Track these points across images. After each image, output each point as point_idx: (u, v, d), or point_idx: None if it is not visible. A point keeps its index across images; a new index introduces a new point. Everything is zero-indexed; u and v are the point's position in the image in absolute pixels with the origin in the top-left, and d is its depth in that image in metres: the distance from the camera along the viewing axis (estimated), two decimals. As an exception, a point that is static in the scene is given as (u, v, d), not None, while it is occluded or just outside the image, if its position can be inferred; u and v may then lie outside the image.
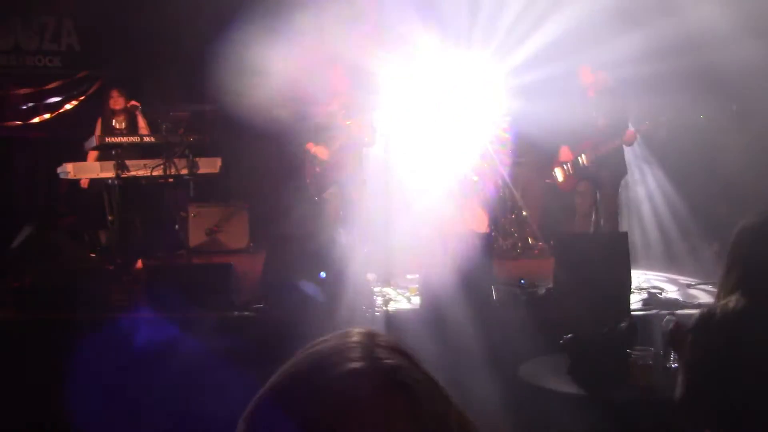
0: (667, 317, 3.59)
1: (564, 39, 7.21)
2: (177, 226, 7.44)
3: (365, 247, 6.31)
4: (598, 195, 6.95)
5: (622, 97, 6.77)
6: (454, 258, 5.26)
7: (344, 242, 5.80)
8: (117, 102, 7.31)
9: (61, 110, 8.87)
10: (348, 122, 6.76)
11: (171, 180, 6.91)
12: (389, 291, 5.93)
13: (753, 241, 2.37)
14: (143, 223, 7.33)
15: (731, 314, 2.33)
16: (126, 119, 7.33)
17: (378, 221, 6.52)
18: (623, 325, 3.63)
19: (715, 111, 7.53)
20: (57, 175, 7.08)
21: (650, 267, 6.98)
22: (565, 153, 7.01)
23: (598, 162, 6.79)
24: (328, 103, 6.88)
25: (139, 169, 6.75)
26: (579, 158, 6.92)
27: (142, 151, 6.99)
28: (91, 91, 8.86)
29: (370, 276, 6.05)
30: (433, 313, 5.05)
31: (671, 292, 5.90)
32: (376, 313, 5.39)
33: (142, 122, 7.25)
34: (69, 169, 6.85)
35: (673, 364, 3.40)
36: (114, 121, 7.34)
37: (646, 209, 8.16)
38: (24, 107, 8.80)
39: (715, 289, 2.66)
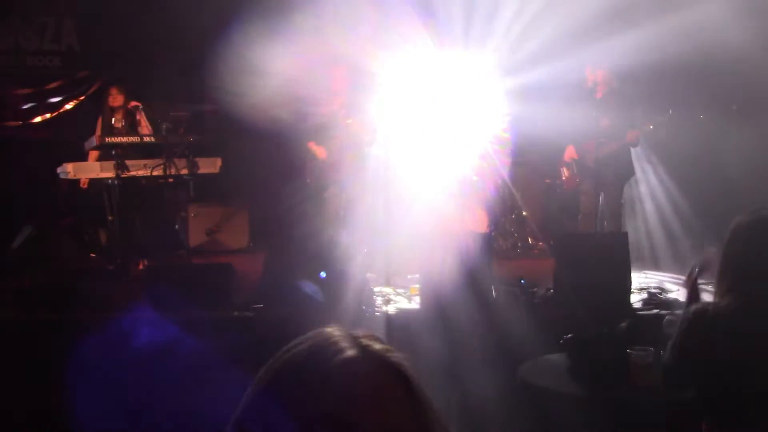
0: (667, 317, 3.59)
1: (565, 39, 7.21)
2: (177, 226, 7.44)
3: (365, 247, 6.32)
4: (601, 195, 6.94)
5: (627, 98, 6.76)
6: (454, 258, 5.26)
7: (344, 242, 5.80)
8: (116, 99, 7.29)
9: (61, 110, 8.87)
10: (348, 122, 6.76)
11: (171, 180, 6.91)
12: (389, 291, 5.93)
13: (746, 239, 2.37)
14: (143, 223, 7.33)
15: (724, 311, 2.34)
16: (125, 117, 7.32)
17: (378, 221, 6.52)
18: (623, 325, 3.63)
19: (716, 111, 7.53)
20: (57, 175, 7.08)
21: (651, 267, 6.98)
22: (570, 152, 7.02)
23: (601, 162, 6.79)
24: (328, 102, 6.88)
25: (139, 169, 6.75)
26: (583, 158, 6.93)
27: (142, 151, 6.99)
28: (91, 91, 8.86)
29: (370, 276, 6.05)
30: (433, 313, 5.05)
31: (671, 292, 5.90)
32: (376, 313, 5.39)
33: (144, 122, 7.24)
34: (69, 169, 6.85)
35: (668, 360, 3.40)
36: (113, 119, 7.32)
37: (646, 209, 8.16)
38: (24, 107, 8.80)
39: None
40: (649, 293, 5.77)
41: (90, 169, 6.92)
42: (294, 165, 7.23)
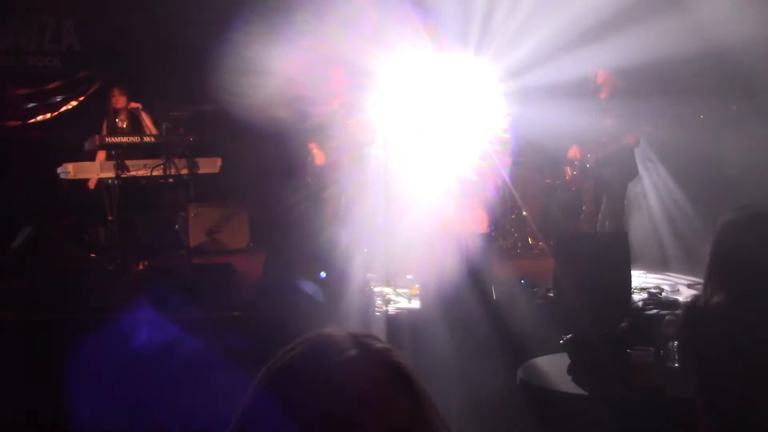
0: (667, 317, 3.60)
1: (566, 38, 7.21)
2: (177, 226, 7.44)
3: (365, 247, 6.32)
4: (604, 196, 6.95)
5: (631, 99, 6.76)
6: (454, 258, 5.26)
7: (344, 242, 5.80)
8: (118, 101, 7.31)
9: (61, 110, 8.87)
10: (348, 122, 6.76)
11: (171, 180, 6.91)
12: (389, 291, 5.93)
13: (735, 237, 2.37)
14: (143, 223, 7.33)
15: (713, 310, 2.35)
16: (128, 119, 7.34)
17: (378, 221, 6.52)
18: (623, 325, 3.63)
19: (716, 111, 7.53)
20: (57, 175, 7.08)
21: (651, 267, 6.98)
22: (573, 152, 7.03)
23: (603, 162, 6.79)
24: (327, 103, 6.88)
25: (139, 169, 6.76)
26: (585, 158, 6.93)
27: (143, 151, 6.99)
28: (91, 91, 8.86)
29: (370, 276, 6.05)
30: (434, 313, 5.05)
31: (671, 292, 5.91)
32: (376, 313, 5.39)
33: (146, 121, 7.25)
34: (69, 169, 6.85)
35: (674, 364, 3.40)
36: (117, 120, 7.35)
37: (647, 209, 8.16)
38: (24, 107, 8.79)
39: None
40: (649, 293, 5.77)
41: (90, 169, 6.92)
42: (294, 165, 7.22)
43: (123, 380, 4.46)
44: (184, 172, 6.75)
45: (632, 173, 6.98)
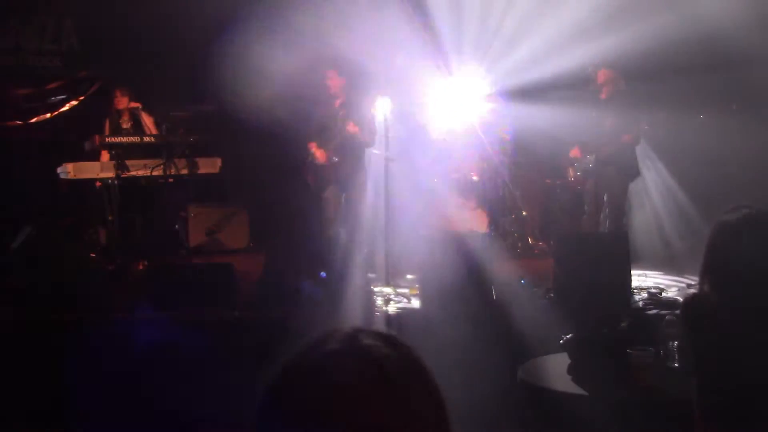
0: (667, 317, 3.60)
1: (566, 38, 7.21)
2: (177, 226, 7.44)
3: (365, 247, 6.32)
4: (605, 194, 6.94)
5: (631, 98, 6.76)
6: (454, 258, 5.26)
7: (344, 242, 5.80)
8: (120, 102, 7.32)
9: (61, 110, 8.87)
10: (348, 122, 6.76)
11: (171, 180, 6.92)
12: (389, 291, 5.93)
13: (730, 237, 2.38)
14: (143, 223, 7.33)
15: (707, 307, 2.36)
16: (131, 119, 7.35)
17: (378, 221, 6.52)
18: (623, 325, 3.63)
19: (716, 110, 7.54)
20: (57, 175, 7.08)
21: (652, 266, 6.97)
22: (575, 152, 7.04)
23: (604, 162, 6.79)
24: (328, 103, 6.88)
25: (139, 169, 6.76)
26: (587, 157, 6.94)
27: (143, 151, 7.00)
28: (91, 91, 8.86)
29: (370, 276, 6.05)
30: (433, 313, 5.05)
31: (671, 292, 5.91)
32: (376, 313, 5.39)
33: (146, 122, 7.26)
34: (69, 169, 6.85)
35: (674, 364, 3.40)
36: (120, 120, 7.36)
37: (647, 208, 8.16)
38: (24, 107, 8.79)
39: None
40: (649, 293, 5.77)
41: (90, 169, 6.92)
42: (294, 165, 7.23)
43: (123, 380, 4.46)
44: (184, 172, 6.76)
45: (633, 172, 6.97)
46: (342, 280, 5.28)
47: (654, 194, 8.18)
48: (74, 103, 8.90)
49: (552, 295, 5.48)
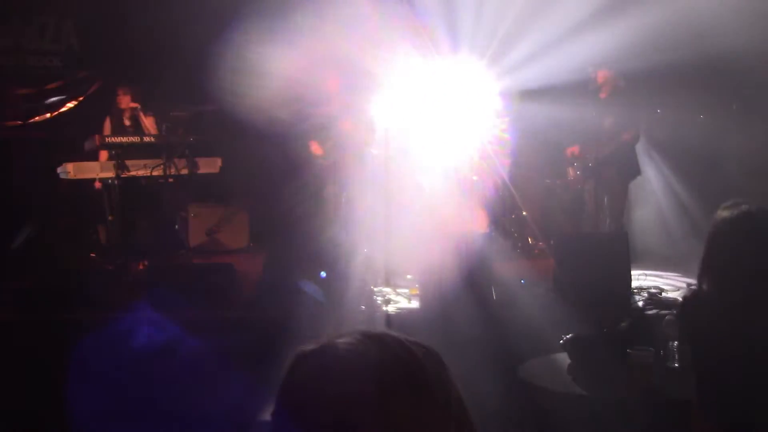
0: (667, 317, 3.60)
1: (565, 38, 7.21)
2: (177, 226, 7.44)
3: (365, 247, 6.31)
4: (604, 195, 6.94)
5: (631, 97, 6.76)
6: (454, 258, 5.26)
7: (344, 242, 5.80)
8: (123, 100, 7.32)
9: (61, 110, 8.87)
10: (348, 122, 6.76)
11: (171, 180, 6.92)
12: (389, 291, 5.93)
13: (729, 234, 2.38)
14: (143, 223, 7.33)
15: (706, 302, 2.36)
16: (132, 118, 7.35)
17: (378, 221, 6.52)
18: (623, 325, 3.63)
19: (716, 109, 7.54)
20: (57, 175, 7.08)
21: (651, 266, 6.97)
22: (574, 151, 7.03)
23: (603, 161, 6.79)
24: (328, 103, 6.88)
25: (139, 169, 6.76)
26: (587, 157, 6.94)
27: (143, 151, 7.00)
28: (91, 91, 8.86)
29: (370, 276, 6.04)
30: (433, 313, 5.05)
31: (671, 292, 5.91)
32: (376, 313, 5.39)
33: (146, 122, 7.26)
34: (69, 169, 6.85)
35: (674, 364, 3.40)
36: (123, 119, 7.36)
37: (648, 207, 8.16)
38: (24, 107, 8.79)
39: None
40: (649, 293, 5.77)
41: (90, 169, 6.92)
42: (294, 165, 7.23)
43: (123, 380, 4.46)
44: (184, 172, 6.76)
45: (633, 172, 6.97)
46: (342, 280, 5.28)
47: (654, 193, 8.18)
48: (74, 103, 8.90)
49: (552, 295, 5.48)
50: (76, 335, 4.67)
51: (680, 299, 2.52)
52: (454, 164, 7.56)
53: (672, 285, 6.25)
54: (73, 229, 7.78)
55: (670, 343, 3.43)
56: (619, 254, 5.43)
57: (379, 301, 5.63)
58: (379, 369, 0.95)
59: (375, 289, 5.87)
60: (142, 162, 6.79)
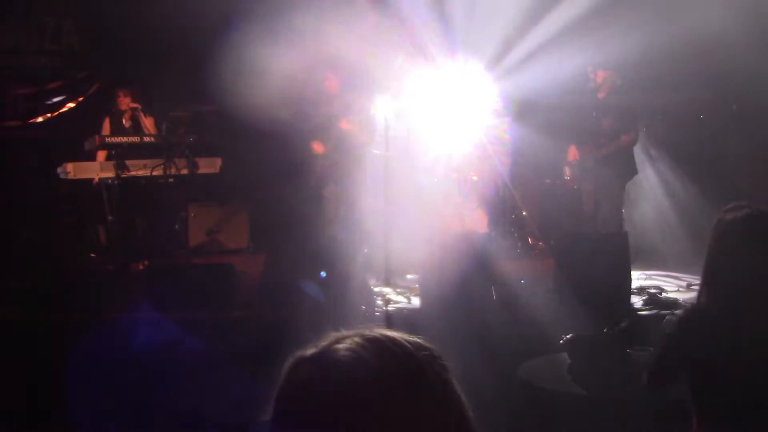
0: (667, 317, 3.59)
1: (565, 38, 7.21)
2: (177, 226, 7.44)
3: (365, 247, 6.32)
4: (603, 196, 6.94)
5: (629, 98, 6.76)
6: (454, 258, 5.26)
7: (344, 242, 5.80)
8: (123, 102, 7.33)
9: (61, 110, 8.87)
10: (348, 122, 6.76)
11: (171, 180, 6.92)
12: (389, 291, 5.93)
13: (731, 237, 2.35)
14: (143, 223, 7.33)
15: (711, 314, 2.33)
16: (132, 119, 7.35)
17: (378, 221, 6.52)
18: (623, 325, 3.63)
19: (716, 110, 7.54)
20: (57, 175, 7.08)
21: (651, 266, 6.98)
22: (572, 152, 7.03)
23: (602, 162, 6.79)
24: (328, 103, 6.88)
25: (139, 169, 6.76)
26: (585, 158, 6.93)
27: (143, 151, 7.00)
28: (91, 91, 8.85)
29: (370, 276, 6.05)
30: (433, 312, 5.05)
31: (671, 292, 5.91)
32: (376, 313, 5.39)
33: (146, 122, 7.26)
34: (69, 169, 6.85)
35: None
36: (123, 120, 7.37)
37: (647, 207, 8.16)
38: (24, 107, 8.79)
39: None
40: (649, 293, 5.77)
41: (90, 169, 6.92)
42: (294, 165, 7.23)
43: (123, 380, 4.46)
44: (184, 172, 6.75)
45: (630, 173, 6.98)
46: (342, 280, 5.28)
47: (654, 193, 8.18)
48: (74, 103, 8.90)
49: (552, 295, 5.48)
50: (76, 335, 4.68)
51: (678, 316, 2.47)
52: (454, 164, 7.57)
53: (672, 284, 6.25)
54: (73, 229, 7.78)
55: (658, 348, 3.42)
56: (619, 254, 5.43)
57: (379, 301, 5.62)
58: (378, 374, 0.95)
59: (375, 289, 5.87)
60: (142, 162, 6.79)
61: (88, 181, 7.09)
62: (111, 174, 6.72)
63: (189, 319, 5.04)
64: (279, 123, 7.04)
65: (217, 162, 7.17)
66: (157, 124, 7.25)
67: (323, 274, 5.31)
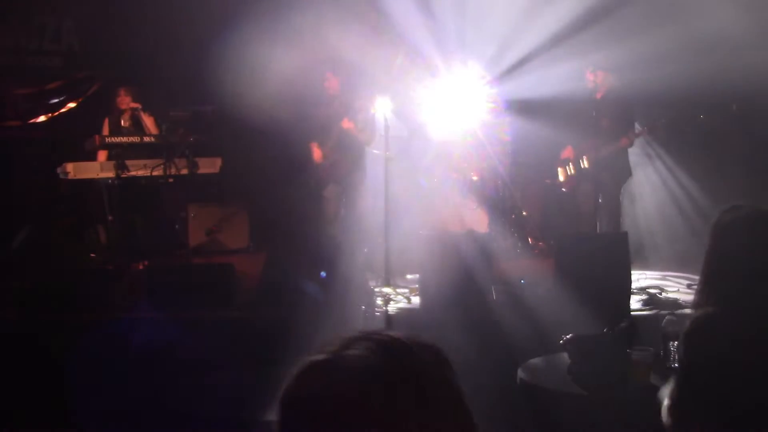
0: (668, 317, 3.60)
1: (564, 38, 7.21)
2: (177, 226, 7.44)
3: (365, 247, 6.32)
4: (600, 197, 6.94)
5: (626, 99, 6.76)
6: (454, 258, 5.26)
7: (344, 242, 5.81)
8: (123, 101, 7.33)
9: (61, 110, 8.86)
10: (348, 122, 6.77)
11: (171, 180, 6.92)
12: (389, 291, 5.93)
13: (731, 239, 2.33)
14: (143, 223, 7.33)
15: (715, 319, 2.31)
16: (132, 119, 7.35)
17: (378, 221, 6.52)
18: (623, 325, 3.63)
19: (716, 110, 7.53)
20: (57, 175, 7.08)
21: (651, 267, 6.98)
22: (567, 153, 7.02)
23: (599, 164, 6.78)
24: (328, 103, 6.88)
25: (139, 169, 6.76)
26: (581, 160, 6.92)
27: (143, 151, 7.00)
28: (91, 91, 8.85)
29: (370, 276, 6.05)
30: (433, 313, 5.05)
31: (671, 292, 5.91)
32: (376, 313, 5.39)
33: (147, 122, 7.26)
34: (69, 169, 6.86)
35: (674, 364, 3.40)
36: (122, 120, 7.37)
37: (647, 207, 8.16)
38: (24, 107, 8.79)
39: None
40: (649, 293, 5.77)
41: (90, 169, 6.92)
42: (294, 165, 7.23)
43: (123, 380, 4.46)
44: (184, 172, 6.76)
45: (625, 174, 6.98)
46: (342, 280, 5.28)
47: (653, 193, 8.18)
48: (74, 103, 8.90)
49: (552, 295, 5.48)
50: (76, 335, 4.68)
51: (685, 329, 2.41)
52: (454, 164, 7.57)
53: (672, 284, 6.25)
54: (73, 229, 7.78)
55: (670, 343, 3.43)
56: (619, 254, 5.42)
57: (379, 301, 5.63)
58: (388, 382, 0.95)
59: (375, 289, 5.87)
60: (142, 162, 6.79)
61: (88, 181, 7.10)
62: (111, 174, 6.72)
63: (189, 319, 5.05)
64: (279, 123, 7.05)
65: (217, 162, 7.17)
66: (157, 124, 7.24)
67: (323, 274, 5.31)
